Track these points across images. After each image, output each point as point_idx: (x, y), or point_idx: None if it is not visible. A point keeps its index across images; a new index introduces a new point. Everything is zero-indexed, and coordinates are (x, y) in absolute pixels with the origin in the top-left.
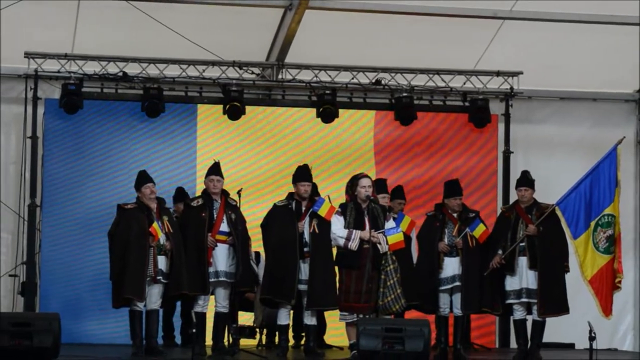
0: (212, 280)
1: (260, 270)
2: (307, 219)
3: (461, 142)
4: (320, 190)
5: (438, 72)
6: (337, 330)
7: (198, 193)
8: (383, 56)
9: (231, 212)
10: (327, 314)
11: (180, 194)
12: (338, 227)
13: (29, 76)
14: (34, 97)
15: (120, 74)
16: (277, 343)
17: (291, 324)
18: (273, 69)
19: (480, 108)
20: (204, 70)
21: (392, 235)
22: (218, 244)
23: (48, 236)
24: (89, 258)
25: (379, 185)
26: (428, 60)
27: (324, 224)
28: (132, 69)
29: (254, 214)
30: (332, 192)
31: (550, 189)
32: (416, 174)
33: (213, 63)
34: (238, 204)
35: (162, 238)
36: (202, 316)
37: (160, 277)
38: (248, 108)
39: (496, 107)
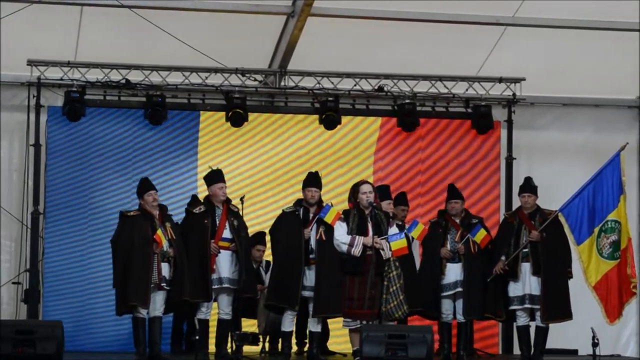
0: (215, 287)
1: (267, 279)
2: (314, 225)
3: (464, 149)
4: (322, 197)
5: (441, 78)
6: (340, 337)
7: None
8: (385, 63)
9: (233, 218)
10: (330, 320)
11: (196, 201)
12: (341, 234)
13: (32, 84)
14: (36, 104)
15: (123, 81)
16: (280, 350)
17: (294, 330)
18: (276, 76)
19: (482, 114)
20: (206, 78)
21: (395, 241)
22: (221, 250)
23: (51, 243)
24: (91, 265)
25: (383, 191)
26: (431, 67)
27: (331, 231)
28: (135, 77)
29: (257, 221)
30: (335, 199)
31: (553, 195)
32: (419, 180)
33: (216, 70)
34: (241, 211)
35: (165, 245)
36: (205, 323)
37: (164, 284)
38: (251, 115)
39: (499, 114)
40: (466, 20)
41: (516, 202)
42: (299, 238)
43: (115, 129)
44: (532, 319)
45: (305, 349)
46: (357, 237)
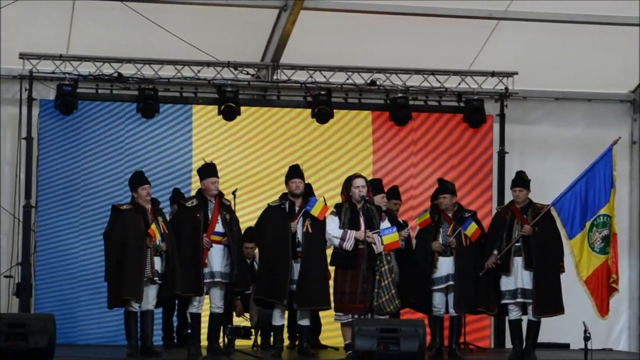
0: (207, 280)
1: None
2: (300, 218)
3: (456, 143)
4: (314, 191)
5: (433, 72)
6: (332, 330)
7: (193, 194)
8: (378, 57)
9: (226, 212)
10: (322, 314)
11: (177, 195)
12: (333, 227)
13: (24, 77)
14: (28, 98)
15: (115, 74)
16: (272, 343)
17: (286, 324)
18: (268, 69)
19: (475, 108)
20: (199, 71)
21: (387, 235)
22: (213, 244)
23: (43, 237)
24: (84, 259)
25: (375, 185)
26: (423, 61)
27: (317, 224)
28: (127, 70)
29: (249, 215)
30: (327, 192)
31: (546, 189)
32: (411, 174)
33: (208, 64)
34: (233, 205)
35: (158, 239)
36: (197, 317)
37: (157, 278)
38: (243, 109)
39: (491, 108)
40: (459, 14)
41: (508, 196)
42: (285, 232)
43: (107, 123)
44: (524, 313)
45: (297, 342)
46: (349, 231)
